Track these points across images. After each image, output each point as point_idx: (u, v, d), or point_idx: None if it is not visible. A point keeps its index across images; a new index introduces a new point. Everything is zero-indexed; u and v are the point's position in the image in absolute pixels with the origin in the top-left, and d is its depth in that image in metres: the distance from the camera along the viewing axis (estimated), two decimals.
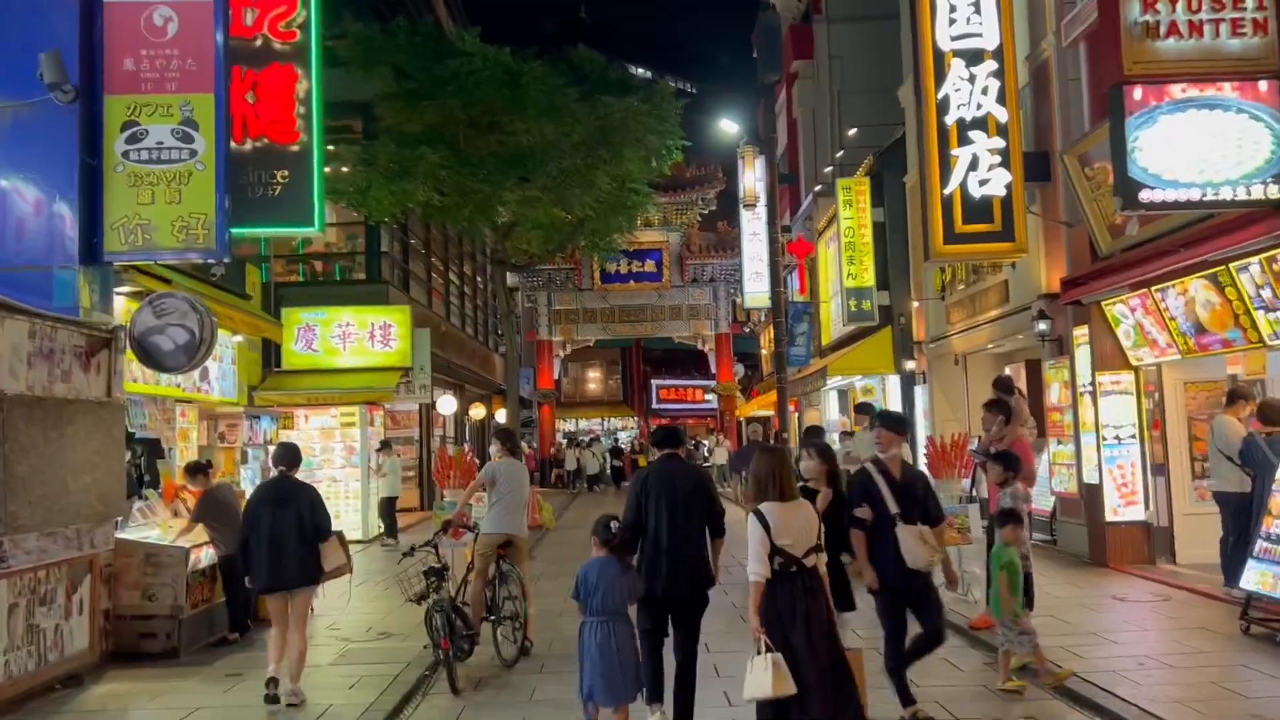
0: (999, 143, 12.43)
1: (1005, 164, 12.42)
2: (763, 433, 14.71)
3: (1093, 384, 11.31)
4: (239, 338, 11.57)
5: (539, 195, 15.14)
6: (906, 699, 5.84)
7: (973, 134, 12.52)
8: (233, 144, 10.14)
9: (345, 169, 15.99)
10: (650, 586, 5.53)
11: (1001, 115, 12.43)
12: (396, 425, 25.49)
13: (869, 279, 19.48)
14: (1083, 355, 11.58)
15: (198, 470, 9.18)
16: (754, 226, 30.58)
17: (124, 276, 8.83)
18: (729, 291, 37.73)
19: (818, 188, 25.38)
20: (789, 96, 31.11)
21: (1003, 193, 12.41)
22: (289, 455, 7.04)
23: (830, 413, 25.21)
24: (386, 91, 16.80)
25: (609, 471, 33.32)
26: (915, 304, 17.98)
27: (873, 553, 5.76)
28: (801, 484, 5.82)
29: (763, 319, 36.78)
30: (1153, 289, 10.08)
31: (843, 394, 24.63)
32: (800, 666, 4.71)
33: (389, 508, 16.84)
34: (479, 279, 32.09)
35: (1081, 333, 11.61)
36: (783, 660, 4.70)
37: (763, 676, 4.68)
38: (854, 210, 19.73)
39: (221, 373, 11.41)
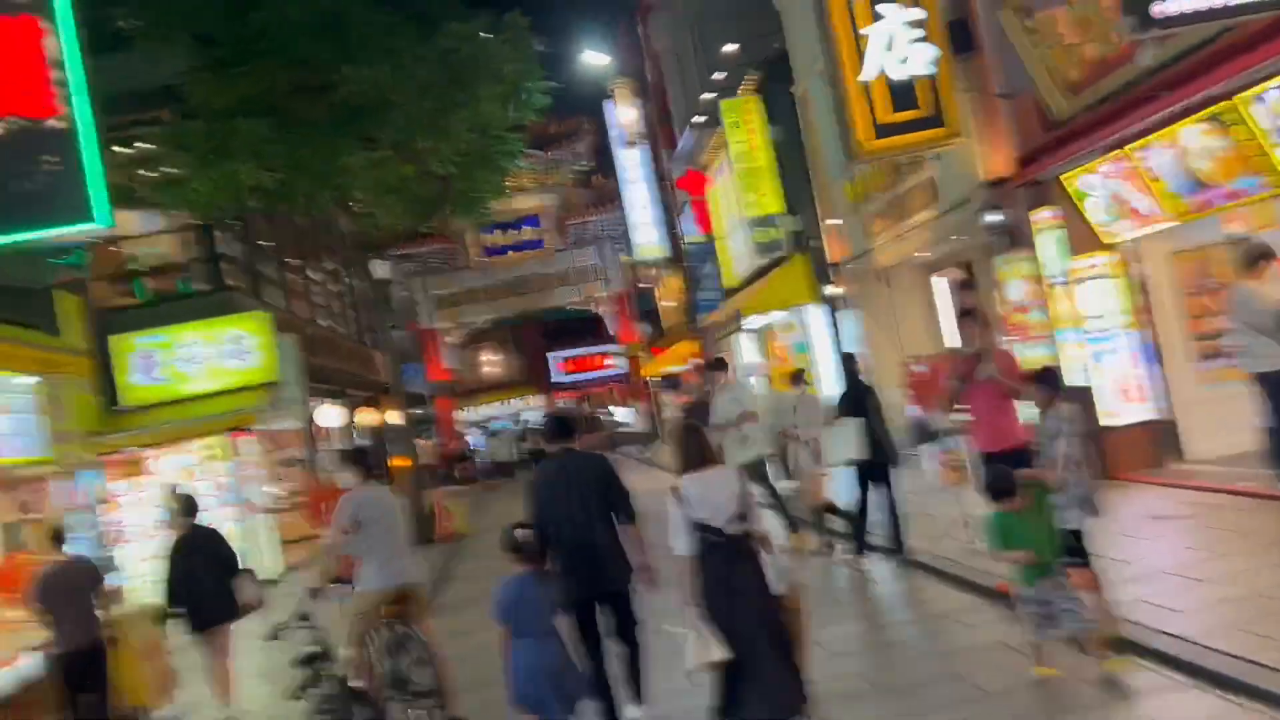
0: (917, 13, 10.76)
1: (926, 37, 10.77)
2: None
3: (1066, 272, 9.77)
4: (32, 379, 8.98)
5: (389, 154, 12.77)
6: None
7: (883, 8, 10.81)
8: None
9: (162, 167, 13.35)
10: (568, 587, 5.22)
11: None
12: (278, 447, 22.91)
13: (774, 204, 17.78)
14: (1049, 241, 10.02)
15: (59, 538, 7.14)
16: (633, 173, 28.60)
17: None
18: (615, 248, 35.74)
19: (696, 118, 23.52)
20: (645, 31, 29.14)
21: (929, 70, 10.77)
22: (188, 506, 7.68)
23: (745, 357, 23.56)
24: (191, 65, 14.15)
25: (518, 458, 31.31)
26: (831, 221, 16.32)
27: None
28: None
29: (656, 271, 34.99)
30: (1129, 148, 8.52)
31: (759, 335, 23.00)
32: (737, 641, 4.67)
33: None
34: (346, 274, 29.33)
35: (1044, 216, 10.03)
36: (702, 633, 4.71)
37: (688, 648, 4.79)
38: (744, 132, 17.96)
39: (16, 426, 8.91)
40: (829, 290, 16.94)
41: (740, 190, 17.93)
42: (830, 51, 10.94)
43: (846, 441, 8.38)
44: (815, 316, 18.06)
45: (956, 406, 7.26)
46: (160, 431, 14.88)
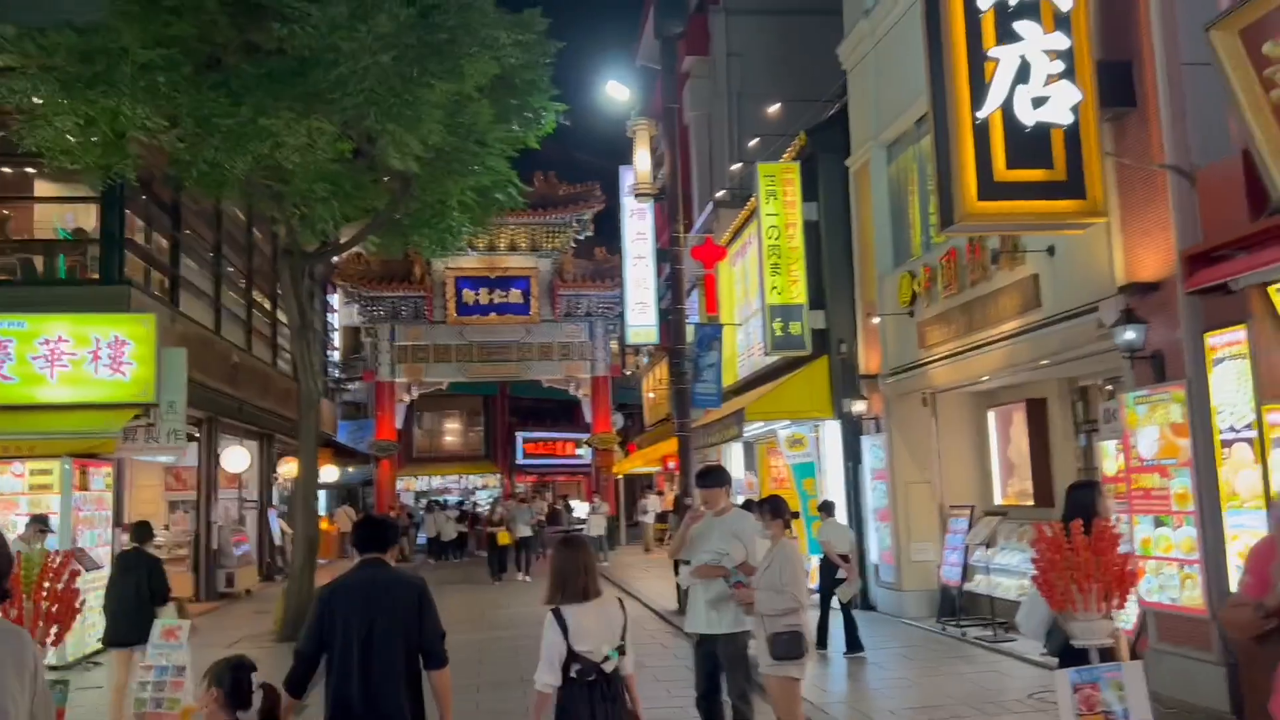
0: (1061, 40, 7.88)
1: (1070, 74, 7.86)
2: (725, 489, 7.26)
3: (1258, 424, 6.61)
4: None
5: (326, 126, 9.53)
6: None
7: (1020, 26, 7.92)
8: None
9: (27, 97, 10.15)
10: None
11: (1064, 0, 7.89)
12: (182, 485, 19.50)
13: (799, 294, 14.72)
14: (1230, 376, 6.89)
15: None
16: (639, 245, 25.73)
17: None
18: (607, 329, 32.64)
19: (719, 193, 20.77)
20: (679, 97, 26.64)
21: (1068, 118, 7.85)
22: (142, 532, 8.40)
23: (735, 469, 20.27)
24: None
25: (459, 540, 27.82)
26: (875, 320, 13.21)
27: None
28: None
29: (645, 360, 31.92)
30: None
31: (749, 447, 19.78)
32: None
33: None
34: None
35: (1227, 340, 6.93)
36: None
37: None
38: (779, 204, 15.01)
39: None
40: (855, 406, 13.76)
41: (764, 273, 14.91)
42: (942, 76, 7.98)
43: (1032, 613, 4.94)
44: (831, 434, 14.85)
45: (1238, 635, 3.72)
46: None
